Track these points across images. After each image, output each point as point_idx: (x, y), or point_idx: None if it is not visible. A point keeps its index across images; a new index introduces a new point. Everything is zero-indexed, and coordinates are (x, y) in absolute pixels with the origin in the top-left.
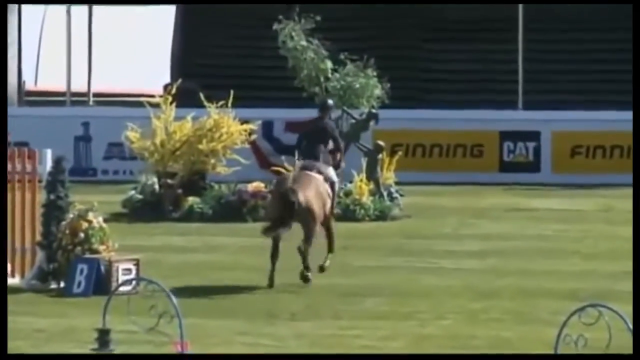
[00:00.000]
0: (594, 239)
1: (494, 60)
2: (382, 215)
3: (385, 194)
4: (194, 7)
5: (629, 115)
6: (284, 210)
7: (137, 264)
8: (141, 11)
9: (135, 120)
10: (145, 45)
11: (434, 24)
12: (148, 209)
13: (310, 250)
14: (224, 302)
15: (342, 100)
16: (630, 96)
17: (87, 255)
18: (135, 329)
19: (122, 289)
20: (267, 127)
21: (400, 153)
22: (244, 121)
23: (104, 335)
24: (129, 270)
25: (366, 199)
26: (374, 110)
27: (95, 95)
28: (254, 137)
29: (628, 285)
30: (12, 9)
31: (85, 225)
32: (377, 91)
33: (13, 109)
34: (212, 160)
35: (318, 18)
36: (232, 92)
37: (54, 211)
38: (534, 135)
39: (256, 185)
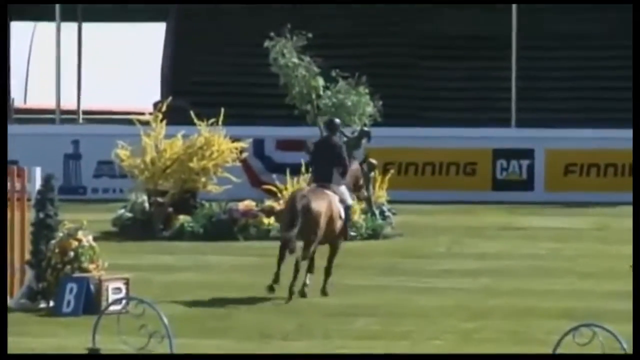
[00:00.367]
0: (588, 257)
1: (487, 78)
2: (374, 234)
3: (377, 212)
4: (185, 24)
5: (622, 133)
6: (293, 212)
7: (127, 283)
8: (131, 28)
9: (126, 138)
10: (136, 62)
11: (428, 42)
12: (138, 228)
13: (304, 264)
14: (215, 322)
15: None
16: (623, 114)
17: (77, 274)
18: (126, 348)
19: (112, 308)
20: (258, 145)
21: (392, 171)
22: (235, 139)
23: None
24: (119, 289)
25: (358, 218)
26: (366, 128)
27: (85, 113)
28: (245, 155)
29: (622, 305)
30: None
31: (74, 244)
32: (369, 109)
33: None
34: (203, 179)
35: (310, 35)
36: (222, 109)
37: (43, 230)
38: (528, 153)
39: (247, 204)
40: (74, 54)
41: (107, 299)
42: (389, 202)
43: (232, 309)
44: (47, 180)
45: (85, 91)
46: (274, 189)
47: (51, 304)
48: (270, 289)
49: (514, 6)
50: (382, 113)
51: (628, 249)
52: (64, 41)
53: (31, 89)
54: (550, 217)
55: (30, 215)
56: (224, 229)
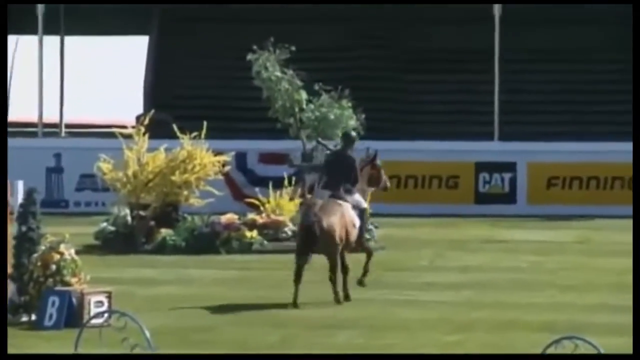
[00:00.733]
0: (570, 270)
1: (470, 91)
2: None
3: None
4: (167, 38)
5: (605, 146)
6: (307, 238)
7: (109, 296)
8: (114, 42)
9: (108, 151)
10: (118, 76)
11: (410, 56)
12: (120, 241)
13: (337, 277)
14: (197, 335)
15: (316, 131)
16: (606, 127)
17: (59, 288)
18: None
19: (94, 321)
20: (241, 158)
21: None
22: (218, 152)
23: None
24: (101, 302)
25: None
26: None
27: (68, 126)
28: (227, 168)
29: (604, 317)
30: None
31: (57, 257)
32: (352, 122)
33: None
34: (185, 192)
35: (293, 48)
36: (205, 123)
37: (25, 243)
38: (510, 167)
39: (229, 217)
40: (57, 67)
41: (89, 312)
42: (371, 215)
43: (214, 322)
44: (29, 193)
45: (67, 104)
46: (256, 202)
47: (33, 317)
48: (294, 304)
49: (497, 20)
50: (365, 126)
51: (610, 262)
52: (46, 54)
53: (13, 102)
54: (532, 230)
55: (13, 228)
56: (206, 242)
